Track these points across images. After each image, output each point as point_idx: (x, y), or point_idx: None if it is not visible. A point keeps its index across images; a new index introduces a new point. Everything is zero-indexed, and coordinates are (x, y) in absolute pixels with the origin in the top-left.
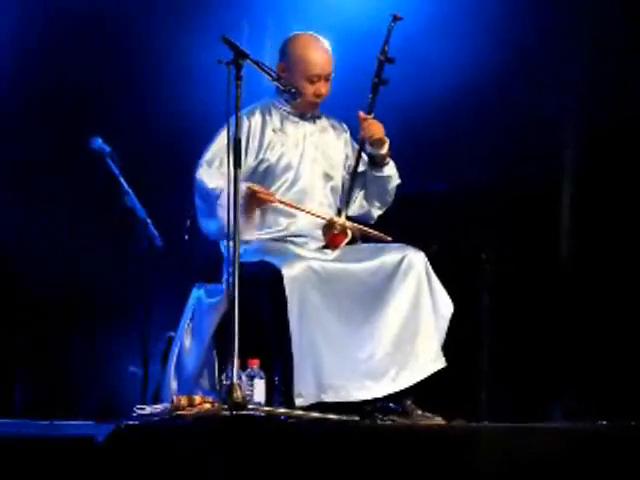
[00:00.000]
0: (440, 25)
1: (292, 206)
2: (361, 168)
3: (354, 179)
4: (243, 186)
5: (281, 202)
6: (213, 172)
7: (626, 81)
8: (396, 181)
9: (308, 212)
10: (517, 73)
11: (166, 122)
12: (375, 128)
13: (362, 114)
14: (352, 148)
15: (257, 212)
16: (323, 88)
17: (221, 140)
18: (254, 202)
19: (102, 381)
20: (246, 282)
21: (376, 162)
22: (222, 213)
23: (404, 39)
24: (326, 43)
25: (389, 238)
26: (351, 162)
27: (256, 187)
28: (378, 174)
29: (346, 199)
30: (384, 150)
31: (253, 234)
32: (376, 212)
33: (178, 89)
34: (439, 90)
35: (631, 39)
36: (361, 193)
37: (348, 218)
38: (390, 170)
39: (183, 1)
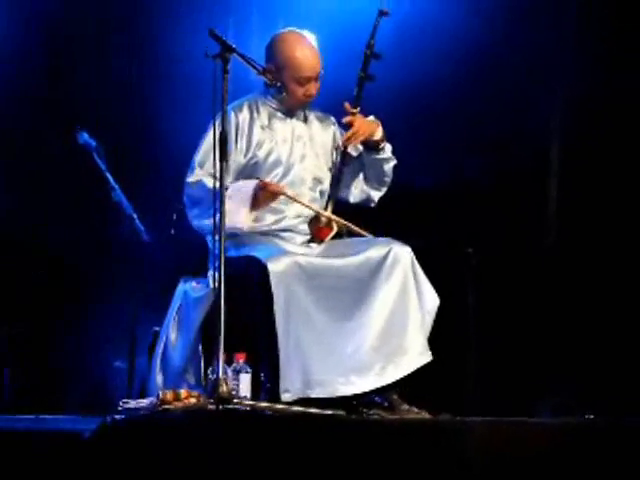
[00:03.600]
0: (426, 18)
1: (297, 200)
2: (355, 153)
3: (341, 173)
4: (252, 181)
5: (289, 196)
6: (206, 173)
7: (611, 73)
8: (393, 161)
9: (307, 206)
10: (503, 67)
11: (151, 116)
12: (362, 130)
13: (348, 106)
14: (340, 139)
15: (265, 205)
16: (313, 88)
17: (209, 139)
18: (265, 195)
19: (88, 375)
20: (232, 277)
21: (371, 147)
22: (229, 206)
23: (389, 32)
24: (313, 40)
25: (371, 236)
26: (338, 157)
27: (267, 180)
28: (374, 157)
29: (332, 193)
30: (378, 136)
31: (249, 226)
32: (376, 194)
33: (164, 85)
34: (424, 84)
35: (615, 29)
36: (360, 178)
37: (334, 212)
38: (386, 153)
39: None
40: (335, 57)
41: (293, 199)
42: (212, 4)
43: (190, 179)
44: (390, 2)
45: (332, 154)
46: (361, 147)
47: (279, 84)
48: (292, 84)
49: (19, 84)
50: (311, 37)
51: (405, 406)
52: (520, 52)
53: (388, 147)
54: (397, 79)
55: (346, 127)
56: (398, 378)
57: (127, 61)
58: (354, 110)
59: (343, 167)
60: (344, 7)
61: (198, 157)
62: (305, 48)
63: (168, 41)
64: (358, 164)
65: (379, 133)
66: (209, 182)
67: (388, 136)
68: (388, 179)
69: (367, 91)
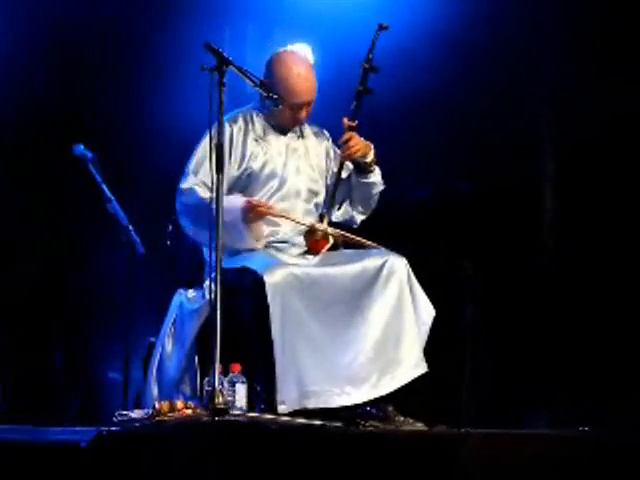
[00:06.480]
0: (421, 29)
1: (283, 217)
2: (345, 174)
3: (337, 186)
4: (240, 200)
5: (275, 214)
6: (199, 182)
7: (604, 83)
8: (380, 187)
9: (295, 221)
10: (498, 82)
11: (148, 128)
12: (358, 147)
13: (346, 121)
14: (334, 155)
15: (261, 223)
16: (304, 113)
17: (204, 148)
18: (254, 215)
19: (84, 387)
20: (228, 288)
21: (361, 169)
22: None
23: (385, 44)
24: (308, 54)
25: (370, 243)
26: (333, 170)
27: (254, 200)
28: (363, 180)
29: (328, 205)
30: (369, 158)
31: (261, 243)
32: (359, 217)
33: (161, 98)
34: (421, 97)
35: (607, 34)
36: (345, 199)
37: (330, 224)
38: (375, 177)
39: (164, 9)
40: (331, 67)
41: (282, 216)
42: (208, 15)
43: (184, 185)
44: (387, 14)
45: (326, 168)
46: (351, 165)
47: (275, 96)
48: (284, 107)
49: (18, 95)
50: (306, 50)
51: (400, 417)
52: (517, 65)
53: (377, 171)
54: (393, 91)
55: (341, 145)
56: (394, 389)
57: (124, 75)
58: (352, 124)
59: (337, 182)
60: (341, 19)
61: (192, 164)
62: (301, 73)
63: (165, 55)
64: (346, 185)
65: (371, 155)
66: (201, 191)
67: (385, 148)
68: (373, 204)
69: (364, 103)
